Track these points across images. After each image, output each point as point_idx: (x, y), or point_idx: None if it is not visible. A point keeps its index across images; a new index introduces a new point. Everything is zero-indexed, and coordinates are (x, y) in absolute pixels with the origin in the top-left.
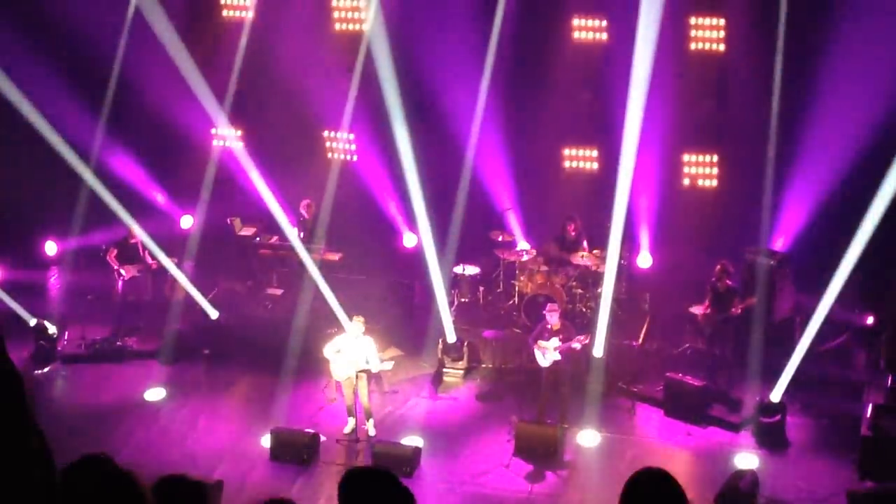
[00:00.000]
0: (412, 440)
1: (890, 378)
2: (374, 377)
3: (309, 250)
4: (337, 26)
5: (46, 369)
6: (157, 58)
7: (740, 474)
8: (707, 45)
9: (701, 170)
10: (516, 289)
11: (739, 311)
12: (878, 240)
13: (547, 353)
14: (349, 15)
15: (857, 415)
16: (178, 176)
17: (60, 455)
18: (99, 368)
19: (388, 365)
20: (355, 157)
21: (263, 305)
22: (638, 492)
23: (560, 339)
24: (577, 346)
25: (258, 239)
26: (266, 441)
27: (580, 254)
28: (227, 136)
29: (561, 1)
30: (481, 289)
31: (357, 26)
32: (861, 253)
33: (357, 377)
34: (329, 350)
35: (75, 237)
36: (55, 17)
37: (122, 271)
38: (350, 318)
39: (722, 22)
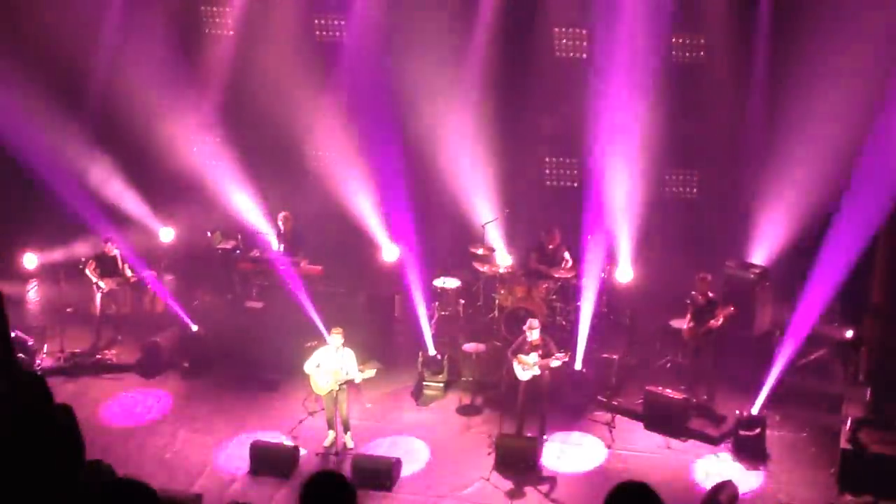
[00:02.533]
0: (392, 453)
1: (869, 391)
2: (354, 389)
3: (288, 263)
4: (317, 37)
5: None
6: (138, 70)
7: (720, 487)
8: (688, 59)
9: (682, 183)
10: (496, 302)
11: (719, 322)
12: (858, 252)
13: (526, 368)
14: (330, 28)
15: (837, 428)
16: (158, 188)
17: None
18: (78, 381)
19: (371, 373)
20: (336, 169)
21: (243, 319)
22: None
23: (539, 355)
24: (556, 363)
25: (238, 252)
26: (245, 454)
27: (560, 267)
28: (207, 149)
29: (543, 14)
30: (461, 302)
31: (338, 33)
32: (841, 266)
33: (339, 390)
34: (309, 365)
35: (54, 249)
36: (35, 27)
37: (101, 284)
38: (329, 330)
39: (702, 39)
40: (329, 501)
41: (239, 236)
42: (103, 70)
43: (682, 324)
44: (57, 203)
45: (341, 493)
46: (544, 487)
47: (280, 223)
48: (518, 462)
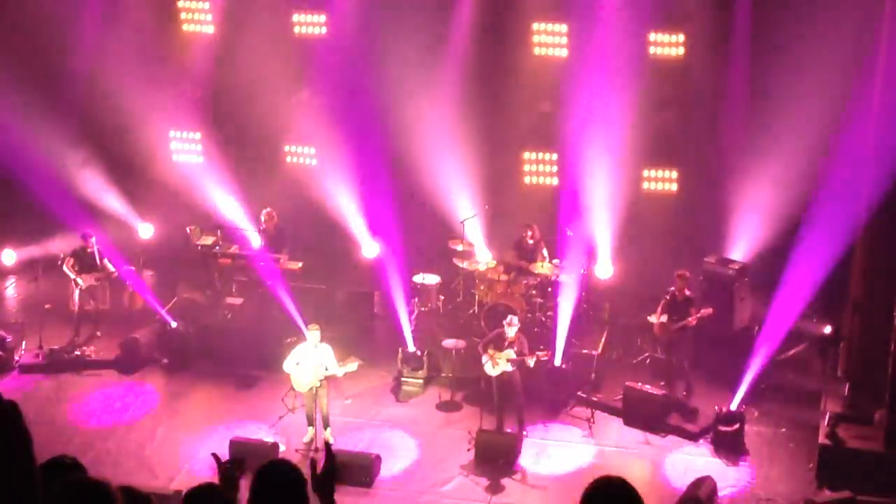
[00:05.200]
0: (371, 449)
1: (847, 387)
2: (334, 385)
3: (268, 260)
4: (297, 34)
5: (3, 379)
6: (117, 66)
7: (699, 483)
8: (667, 56)
9: (660, 180)
10: (476, 298)
11: (694, 321)
12: (836, 249)
13: (498, 364)
14: (309, 24)
15: (815, 424)
16: (137, 184)
17: None
18: (56, 378)
19: (353, 366)
20: (316, 165)
21: (223, 315)
22: (596, 499)
23: (515, 352)
24: (532, 360)
25: (217, 248)
26: (225, 451)
27: (539, 263)
28: (186, 145)
29: (522, 11)
30: (441, 298)
31: (317, 30)
32: (819, 262)
33: (319, 386)
34: (289, 364)
35: (33, 245)
36: (11, 21)
37: (80, 280)
38: (307, 327)
39: (681, 36)
40: (280, 490)
41: (218, 232)
42: (82, 65)
43: (656, 318)
44: (35, 199)
45: (292, 482)
46: (523, 483)
47: (263, 219)
48: (497, 458)
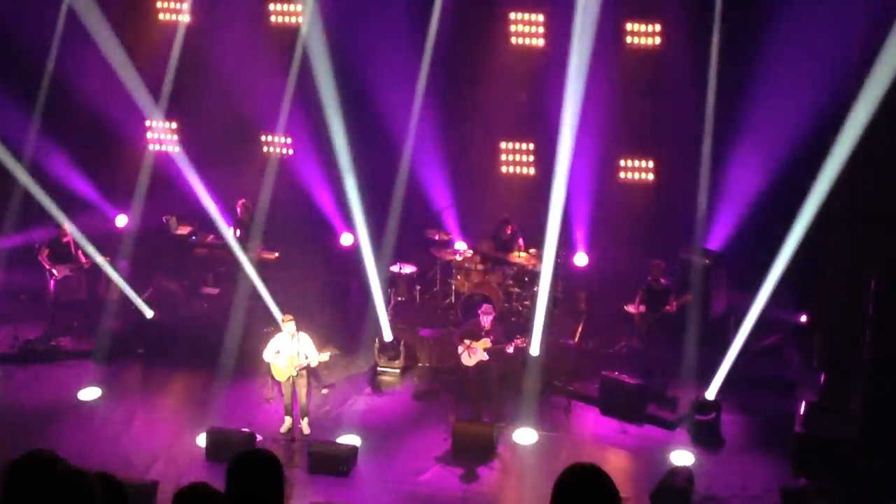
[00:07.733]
0: (349, 439)
1: (822, 376)
2: (312, 374)
3: (245, 249)
4: (273, 24)
5: None
6: (92, 55)
7: (675, 472)
8: (643, 46)
9: (637, 170)
10: (453, 288)
11: (675, 308)
12: (812, 239)
13: (474, 353)
14: (285, 12)
15: (791, 412)
16: (112, 174)
17: None
18: (31, 369)
19: (325, 356)
20: (292, 155)
21: (199, 305)
22: (569, 487)
23: (491, 341)
24: (511, 349)
25: (194, 238)
26: (202, 441)
27: (516, 253)
28: (162, 135)
29: (498, 0)
30: (418, 288)
31: (293, 20)
32: (795, 252)
33: (297, 375)
34: (269, 353)
35: (7, 236)
36: None
37: (54, 271)
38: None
39: (658, 26)
40: (253, 479)
41: (195, 222)
42: (57, 54)
43: (634, 308)
44: (9, 189)
45: (267, 470)
46: (499, 472)
47: (238, 209)
48: (474, 447)
